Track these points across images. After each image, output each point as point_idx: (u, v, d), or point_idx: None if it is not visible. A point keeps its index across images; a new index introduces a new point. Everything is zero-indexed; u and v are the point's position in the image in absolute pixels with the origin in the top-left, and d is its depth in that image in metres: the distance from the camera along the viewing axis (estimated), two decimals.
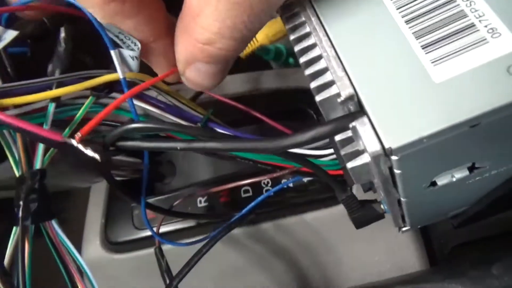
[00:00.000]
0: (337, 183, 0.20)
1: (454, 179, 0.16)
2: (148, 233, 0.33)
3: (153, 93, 0.21)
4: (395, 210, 0.19)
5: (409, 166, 0.13)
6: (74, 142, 0.15)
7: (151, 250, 0.33)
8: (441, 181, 0.16)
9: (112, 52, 0.18)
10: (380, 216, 0.22)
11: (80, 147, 0.15)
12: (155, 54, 0.18)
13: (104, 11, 0.15)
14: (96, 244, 0.34)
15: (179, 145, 0.18)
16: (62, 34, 0.18)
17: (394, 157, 0.12)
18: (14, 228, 0.17)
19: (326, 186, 0.31)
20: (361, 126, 0.12)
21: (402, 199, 0.17)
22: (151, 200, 0.33)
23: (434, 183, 0.16)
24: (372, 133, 0.12)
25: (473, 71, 0.12)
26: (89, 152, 0.16)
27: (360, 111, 0.13)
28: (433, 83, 0.12)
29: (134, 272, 0.34)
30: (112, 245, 0.34)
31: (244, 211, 0.24)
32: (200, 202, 0.32)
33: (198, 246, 0.24)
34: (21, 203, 0.17)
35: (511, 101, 0.11)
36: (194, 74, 0.18)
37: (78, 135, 0.16)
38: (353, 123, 0.12)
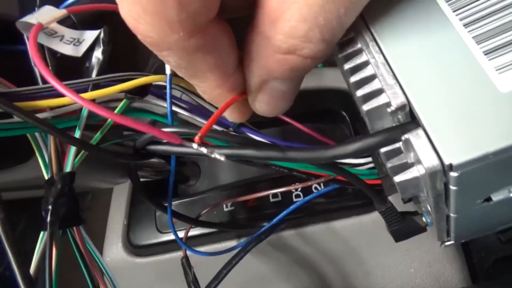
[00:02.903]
0: (376, 194, 0.20)
1: (511, 195, 0.15)
2: (171, 236, 0.33)
3: (178, 94, 0.21)
4: (442, 225, 0.18)
5: (467, 182, 0.12)
6: (195, 145, 0.14)
7: (174, 255, 0.33)
8: (497, 196, 0.15)
9: None
10: (421, 229, 0.21)
11: (203, 150, 0.14)
12: (229, 90, 0.15)
13: (184, 49, 0.13)
14: (118, 246, 0.35)
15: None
16: (102, 36, 0.18)
17: (453, 174, 0.11)
18: (42, 233, 0.17)
19: (357, 193, 0.30)
20: (416, 138, 0.12)
21: (451, 214, 0.16)
22: (175, 203, 0.33)
23: (489, 199, 0.15)
24: (429, 146, 0.11)
25: None
26: (216, 155, 0.14)
27: (412, 121, 0.12)
28: (499, 93, 0.11)
29: (156, 276, 0.34)
30: (135, 248, 0.34)
31: (274, 221, 0.24)
32: (227, 206, 0.32)
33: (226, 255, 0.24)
34: (50, 207, 0.17)
35: None
36: (269, 97, 0.15)
37: (199, 135, 0.14)
38: (406, 135, 0.12)
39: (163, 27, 0.12)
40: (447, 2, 0.13)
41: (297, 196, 0.30)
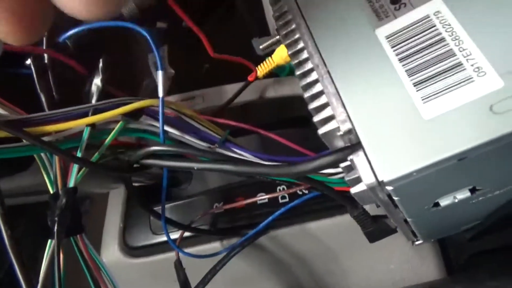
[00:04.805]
0: (348, 200, 0.23)
1: (456, 200, 0.17)
2: (164, 238, 0.35)
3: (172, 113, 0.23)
4: (404, 228, 0.21)
5: (406, 193, 0.15)
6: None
7: (167, 255, 0.36)
8: (444, 202, 0.17)
9: (160, 73, 0.21)
10: (393, 230, 0.24)
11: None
12: None
13: None
14: (115, 248, 0.37)
15: (196, 165, 0.21)
16: (101, 65, 0.20)
17: (389, 187, 0.14)
18: (49, 241, 0.20)
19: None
20: (357, 159, 0.14)
21: (407, 219, 0.19)
22: (169, 205, 0.36)
23: (437, 204, 0.18)
24: (368, 166, 0.14)
25: (460, 109, 0.13)
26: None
27: (358, 142, 0.15)
28: (423, 120, 0.14)
29: (151, 276, 0.36)
30: (130, 249, 0.37)
31: (260, 227, 0.27)
32: (217, 207, 0.34)
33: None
34: (56, 218, 0.20)
35: (493, 138, 0.13)
36: None
37: None
38: (351, 156, 0.15)
39: None
40: (387, 38, 0.16)
41: (283, 197, 0.33)
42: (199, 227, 0.31)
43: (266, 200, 0.33)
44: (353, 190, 0.16)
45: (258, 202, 0.33)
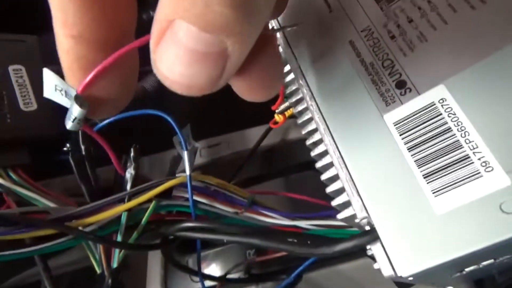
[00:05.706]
0: None
1: (480, 266, 0.18)
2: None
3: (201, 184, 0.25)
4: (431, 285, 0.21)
5: (426, 277, 0.15)
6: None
7: None
8: (468, 269, 0.18)
9: (185, 153, 0.22)
10: None
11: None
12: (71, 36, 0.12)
13: None
14: None
15: (225, 238, 0.22)
16: (132, 154, 0.22)
17: (409, 278, 0.15)
18: None
19: None
20: (376, 249, 0.15)
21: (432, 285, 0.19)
22: (202, 254, 0.37)
23: (461, 271, 0.18)
24: (386, 259, 0.15)
25: (470, 205, 0.14)
26: None
27: (375, 230, 0.16)
28: (435, 215, 0.14)
29: None
30: None
31: (291, 277, 0.28)
32: (249, 255, 0.35)
33: None
34: None
35: (504, 239, 0.13)
36: (173, 52, 0.10)
37: None
38: (370, 245, 0.15)
39: None
40: (395, 125, 0.16)
41: None
42: (233, 278, 0.33)
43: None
44: (376, 266, 0.17)
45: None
